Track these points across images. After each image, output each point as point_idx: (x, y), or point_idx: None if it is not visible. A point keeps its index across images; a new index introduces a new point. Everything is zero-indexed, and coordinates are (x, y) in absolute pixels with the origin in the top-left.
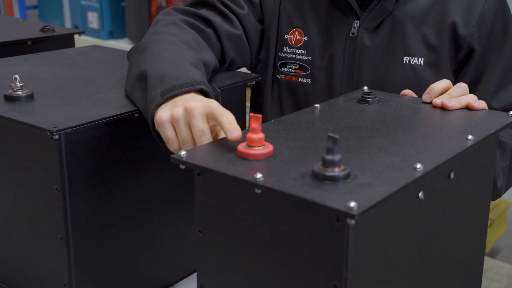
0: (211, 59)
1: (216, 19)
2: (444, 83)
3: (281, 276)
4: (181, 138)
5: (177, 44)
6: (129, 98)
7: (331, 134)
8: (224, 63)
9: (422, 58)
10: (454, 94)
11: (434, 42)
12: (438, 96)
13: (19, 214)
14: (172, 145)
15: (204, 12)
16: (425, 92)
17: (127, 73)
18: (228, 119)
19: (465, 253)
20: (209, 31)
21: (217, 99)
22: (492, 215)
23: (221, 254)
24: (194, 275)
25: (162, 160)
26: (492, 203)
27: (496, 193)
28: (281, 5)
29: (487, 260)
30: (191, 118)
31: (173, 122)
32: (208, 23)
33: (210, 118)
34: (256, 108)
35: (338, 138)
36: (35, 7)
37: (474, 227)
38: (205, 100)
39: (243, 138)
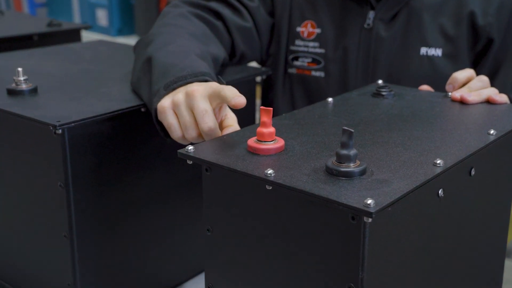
0: (220, 52)
1: (225, 11)
2: (467, 72)
3: (293, 277)
4: (182, 124)
5: (184, 37)
6: (135, 92)
7: (346, 128)
8: (234, 57)
9: (440, 49)
10: (474, 88)
11: (452, 32)
12: (462, 86)
13: (23, 212)
14: (175, 133)
15: (213, 4)
16: (447, 82)
17: (133, 66)
18: (230, 89)
19: (485, 252)
20: (219, 23)
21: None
22: None
23: (230, 253)
24: (202, 276)
25: (169, 155)
26: None
27: None
28: None
29: None
30: (192, 100)
31: (175, 108)
32: (217, 15)
33: (213, 97)
34: (267, 104)
35: (353, 132)
36: (44, 5)
37: (495, 226)
38: (209, 83)
39: (253, 133)
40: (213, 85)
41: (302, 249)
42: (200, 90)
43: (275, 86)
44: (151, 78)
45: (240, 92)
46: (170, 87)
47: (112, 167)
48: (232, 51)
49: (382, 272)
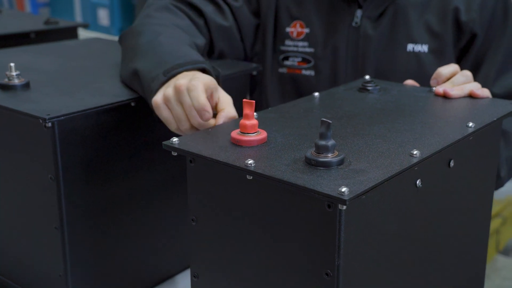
0: (203, 45)
1: (207, 8)
2: (451, 67)
3: (273, 264)
4: (175, 117)
5: (172, 27)
6: (126, 86)
7: (324, 119)
8: (213, 54)
9: (426, 45)
10: (457, 82)
11: (437, 29)
12: (446, 80)
13: (14, 204)
14: (171, 125)
15: (196, 0)
16: (432, 77)
17: (122, 58)
18: (197, 93)
19: (467, 243)
20: (200, 21)
21: (217, 79)
22: (506, 212)
23: (214, 243)
24: None
25: (159, 149)
26: (505, 201)
27: (499, 183)
28: None
29: (501, 259)
30: (179, 95)
31: (166, 102)
32: (199, 12)
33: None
34: (258, 102)
35: (331, 123)
36: (47, 4)
37: (476, 217)
38: (199, 77)
39: (238, 125)
40: (195, 84)
41: (282, 237)
42: (185, 84)
43: (264, 85)
44: (147, 67)
45: (232, 86)
46: (170, 73)
47: (102, 160)
48: (210, 49)
49: (359, 259)
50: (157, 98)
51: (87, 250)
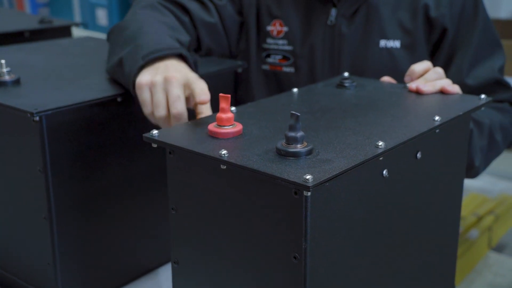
0: (187, 42)
1: (192, 6)
2: (424, 64)
3: (247, 248)
4: (155, 101)
5: (156, 22)
6: (113, 81)
7: (293, 112)
8: (200, 51)
9: (399, 41)
10: (430, 79)
11: (409, 25)
12: (419, 77)
13: (3, 195)
14: (146, 108)
15: (186, 2)
16: (406, 74)
17: (108, 52)
18: (200, 85)
19: (436, 234)
20: (185, 18)
21: (195, 65)
22: (498, 210)
23: (193, 230)
24: None
25: (144, 143)
26: (498, 198)
27: (474, 172)
28: None
29: (492, 255)
30: (168, 85)
31: (151, 86)
32: (185, 9)
33: (186, 86)
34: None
35: (299, 115)
36: (46, 5)
37: (445, 208)
38: (186, 71)
39: (214, 119)
40: (189, 76)
41: (253, 223)
42: (178, 78)
43: (249, 81)
44: (129, 53)
45: (217, 84)
46: (148, 57)
47: (89, 153)
48: (198, 46)
49: (326, 244)
50: (142, 79)
51: (75, 240)
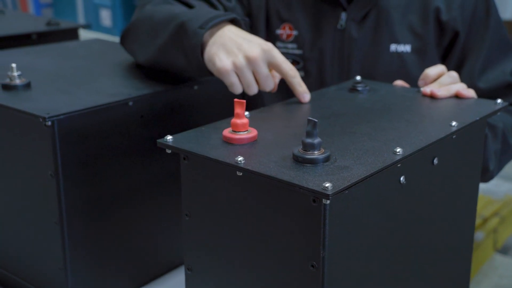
0: None
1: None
2: (438, 68)
3: (263, 257)
4: (246, 83)
5: (180, 6)
6: (124, 84)
7: (310, 118)
8: None
9: (409, 45)
10: (444, 83)
11: (419, 29)
12: (433, 81)
13: (14, 200)
14: (237, 89)
15: (193, 1)
16: (420, 78)
17: (137, 45)
18: (298, 79)
19: (452, 239)
20: None
21: (246, 28)
22: (503, 211)
23: (207, 237)
24: None
25: (156, 147)
26: (503, 200)
27: (489, 176)
28: (269, 0)
29: (498, 257)
30: (255, 66)
31: (237, 70)
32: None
33: (272, 66)
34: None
35: (317, 122)
36: (49, 5)
37: (461, 213)
38: (262, 45)
39: (229, 124)
40: (273, 54)
41: (270, 231)
42: (262, 57)
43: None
44: (177, 33)
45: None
46: (207, 25)
47: (101, 158)
48: None
49: (344, 252)
50: (224, 64)
51: (86, 244)
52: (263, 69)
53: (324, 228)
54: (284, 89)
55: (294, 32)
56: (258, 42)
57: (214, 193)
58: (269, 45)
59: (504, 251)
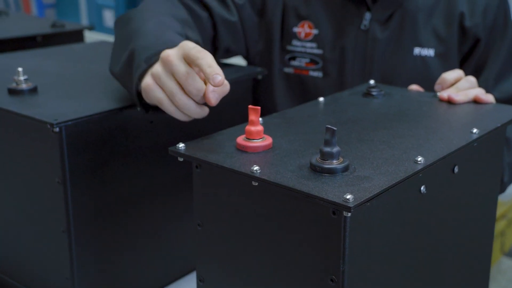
0: (196, 40)
1: (212, 3)
2: (456, 73)
3: (279, 269)
4: (168, 92)
5: (163, 15)
6: (114, 76)
7: (329, 126)
8: (218, 50)
9: (433, 49)
10: (462, 88)
11: (443, 33)
12: (450, 86)
13: (21, 208)
14: (164, 105)
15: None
16: (436, 83)
17: (113, 48)
18: (206, 60)
19: (471, 248)
20: (204, 14)
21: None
22: (511, 214)
23: (220, 247)
24: None
25: (165, 153)
26: (511, 202)
27: (502, 187)
28: None
29: (506, 261)
30: (170, 67)
31: (156, 80)
32: (204, 6)
33: (188, 61)
34: (259, 102)
35: (335, 130)
36: (52, 6)
37: (481, 222)
38: (178, 45)
39: (243, 131)
40: (186, 46)
41: (287, 243)
42: (175, 54)
43: (270, 84)
44: (130, 55)
45: (237, 92)
46: (152, 60)
47: (109, 164)
48: (215, 45)
49: (364, 265)
50: (147, 81)
51: (94, 253)
52: (179, 67)
53: (344, 241)
54: (297, 93)
55: (314, 31)
56: None
57: (227, 203)
58: (185, 42)
59: (511, 254)
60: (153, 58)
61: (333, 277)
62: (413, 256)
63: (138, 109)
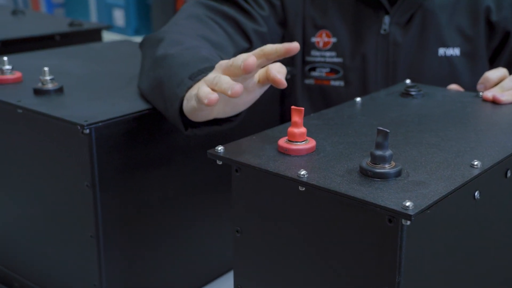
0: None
1: (240, 18)
2: (500, 72)
3: (326, 281)
4: (218, 87)
5: (195, 38)
6: (142, 94)
7: (381, 128)
8: None
9: (458, 48)
10: (507, 87)
11: (469, 31)
12: (494, 85)
13: (49, 212)
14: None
15: (227, 9)
16: (479, 82)
17: (141, 66)
18: (222, 79)
19: None
20: (233, 30)
21: None
22: None
23: (260, 255)
24: (228, 275)
25: (196, 154)
26: None
27: None
28: (305, 6)
29: None
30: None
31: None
32: (233, 21)
33: (228, 71)
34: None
35: (388, 132)
36: (61, 5)
37: None
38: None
39: (283, 133)
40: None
41: (336, 252)
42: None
43: (294, 98)
44: (169, 73)
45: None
46: (196, 78)
47: (138, 167)
48: None
49: (418, 276)
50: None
51: (123, 259)
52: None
53: (401, 251)
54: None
55: (333, 39)
56: None
57: (269, 208)
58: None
59: None
60: (197, 76)
61: None
62: (467, 265)
63: (181, 128)
